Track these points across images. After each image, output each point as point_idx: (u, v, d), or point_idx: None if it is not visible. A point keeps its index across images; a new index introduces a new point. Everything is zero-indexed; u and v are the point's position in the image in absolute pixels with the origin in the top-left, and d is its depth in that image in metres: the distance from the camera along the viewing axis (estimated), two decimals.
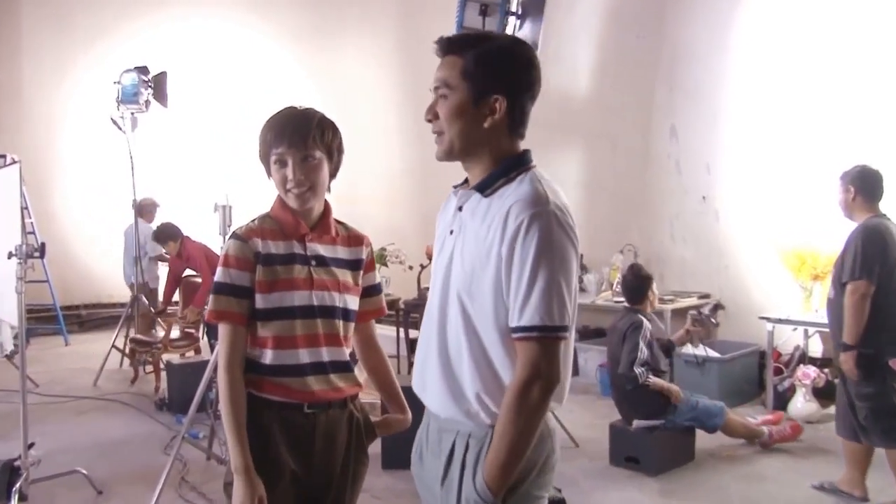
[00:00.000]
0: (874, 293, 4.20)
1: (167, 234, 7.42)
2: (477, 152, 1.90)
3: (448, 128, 1.88)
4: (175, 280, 7.70)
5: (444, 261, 1.94)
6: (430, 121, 1.91)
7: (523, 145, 1.95)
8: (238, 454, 2.12)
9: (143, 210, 8.35)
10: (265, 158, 2.26)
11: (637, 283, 5.28)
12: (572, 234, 1.80)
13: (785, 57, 6.86)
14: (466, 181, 1.98)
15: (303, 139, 2.20)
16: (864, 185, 4.36)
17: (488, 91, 1.85)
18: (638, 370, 4.90)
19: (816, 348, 6.55)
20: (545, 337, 1.76)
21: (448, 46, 1.90)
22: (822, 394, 6.00)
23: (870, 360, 4.21)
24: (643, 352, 4.94)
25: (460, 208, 1.93)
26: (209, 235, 7.11)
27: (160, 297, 8.19)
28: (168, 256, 7.74)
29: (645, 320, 5.07)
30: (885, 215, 4.36)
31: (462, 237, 1.89)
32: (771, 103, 6.97)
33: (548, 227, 1.76)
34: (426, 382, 1.96)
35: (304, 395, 2.21)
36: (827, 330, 4.97)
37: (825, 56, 6.51)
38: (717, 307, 4.96)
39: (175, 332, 7.41)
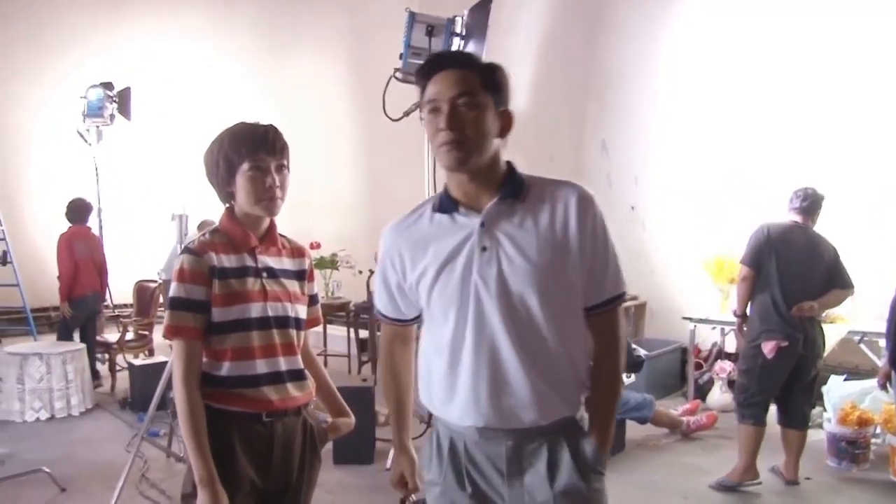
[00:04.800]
0: (761, 288, 4.38)
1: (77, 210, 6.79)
2: (488, 162, 1.80)
3: (477, 136, 1.74)
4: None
5: (491, 274, 1.75)
6: (452, 129, 1.72)
7: None
8: (201, 465, 1.96)
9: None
10: (230, 170, 2.07)
11: None
12: None
13: (703, 78, 6.91)
14: (448, 201, 1.84)
15: (280, 148, 2.08)
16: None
17: (504, 103, 1.81)
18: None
19: (732, 345, 6.56)
20: (623, 302, 1.88)
21: (457, 61, 1.81)
22: None
23: (749, 342, 4.44)
24: None
25: (483, 224, 1.78)
26: (167, 242, 6.88)
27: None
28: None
29: None
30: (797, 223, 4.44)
31: (510, 243, 1.76)
32: (692, 121, 7.01)
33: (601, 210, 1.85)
34: (506, 405, 1.75)
35: (262, 404, 2.07)
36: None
37: (740, 76, 6.57)
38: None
39: (130, 334, 7.05)
